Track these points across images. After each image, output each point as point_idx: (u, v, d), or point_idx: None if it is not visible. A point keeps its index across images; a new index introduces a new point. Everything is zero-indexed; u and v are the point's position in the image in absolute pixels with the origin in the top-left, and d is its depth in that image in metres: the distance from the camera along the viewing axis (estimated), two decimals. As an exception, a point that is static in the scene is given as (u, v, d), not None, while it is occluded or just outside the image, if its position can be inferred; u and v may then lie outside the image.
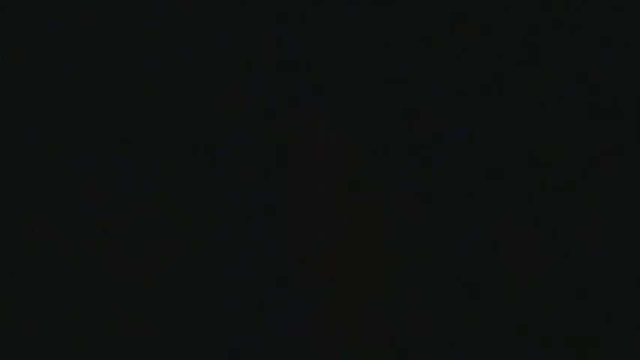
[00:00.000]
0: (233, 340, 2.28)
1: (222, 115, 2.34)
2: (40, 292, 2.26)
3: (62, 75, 2.33)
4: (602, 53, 2.30)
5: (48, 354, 2.25)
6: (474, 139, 2.31)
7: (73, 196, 2.30)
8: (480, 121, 2.31)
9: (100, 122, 2.33)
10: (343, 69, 2.34)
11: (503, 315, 2.26)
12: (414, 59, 2.33)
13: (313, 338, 2.27)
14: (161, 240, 2.30)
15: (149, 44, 2.35)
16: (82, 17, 2.34)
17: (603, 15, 2.31)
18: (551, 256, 2.27)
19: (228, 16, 2.35)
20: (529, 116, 2.30)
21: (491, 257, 2.27)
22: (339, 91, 2.34)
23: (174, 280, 2.29)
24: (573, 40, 2.31)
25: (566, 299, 2.25)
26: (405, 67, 2.33)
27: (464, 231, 2.28)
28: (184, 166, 2.32)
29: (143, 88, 2.34)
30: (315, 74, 2.34)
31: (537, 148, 2.29)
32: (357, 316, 2.27)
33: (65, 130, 2.32)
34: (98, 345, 2.26)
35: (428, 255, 2.29)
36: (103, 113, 2.33)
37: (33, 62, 2.33)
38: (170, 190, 2.31)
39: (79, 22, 2.33)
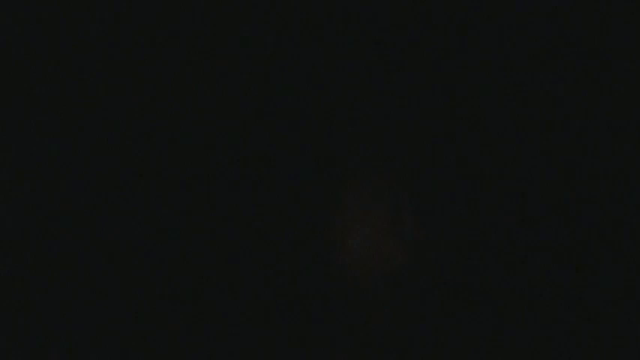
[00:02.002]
0: (233, 340, 2.28)
1: (223, 115, 2.34)
2: (40, 291, 2.27)
3: (62, 75, 2.34)
4: (602, 53, 2.31)
5: (48, 354, 2.25)
6: (474, 139, 2.31)
7: (73, 195, 2.30)
8: (480, 120, 2.32)
9: (100, 122, 2.33)
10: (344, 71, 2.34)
11: (503, 315, 2.26)
12: (415, 59, 2.34)
13: (318, 337, 2.27)
14: (161, 240, 2.30)
15: (150, 45, 2.35)
16: (82, 17, 2.34)
17: (603, 15, 2.31)
18: (551, 255, 2.27)
19: (229, 16, 2.36)
20: (529, 116, 2.31)
21: (490, 257, 2.28)
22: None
23: (175, 280, 2.29)
24: (573, 40, 2.31)
25: (566, 299, 2.25)
26: (405, 66, 2.34)
27: (464, 231, 2.29)
28: (184, 166, 2.33)
29: (143, 89, 2.34)
30: (317, 75, 2.35)
31: (537, 148, 2.30)
32: (361, 316, 2.27)
33: (65, 130, 2.32)
34: (98, 345, 2.26)
35: (428, 255, 2.29)
36: (103, 113, 2.33)
37: (33, 62, 2.33)
38: (169, 190, 2.32)
39: (79, 22, 2.34)
